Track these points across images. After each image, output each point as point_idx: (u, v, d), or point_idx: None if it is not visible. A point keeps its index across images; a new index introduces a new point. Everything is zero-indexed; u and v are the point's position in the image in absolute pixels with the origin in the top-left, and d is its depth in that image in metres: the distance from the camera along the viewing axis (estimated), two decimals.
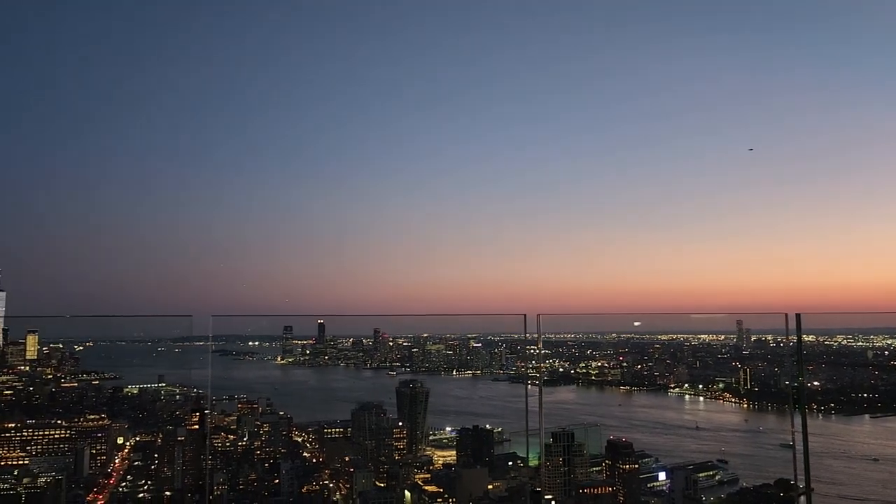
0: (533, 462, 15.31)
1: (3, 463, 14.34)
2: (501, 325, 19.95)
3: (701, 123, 49.94)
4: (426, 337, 20.19)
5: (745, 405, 18.33)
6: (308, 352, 19.48)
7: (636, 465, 15.51)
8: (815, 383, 14.99)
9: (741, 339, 18.68)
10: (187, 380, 17.80)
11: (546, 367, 19.36)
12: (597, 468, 15.43)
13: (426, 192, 58.33)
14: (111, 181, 53.58)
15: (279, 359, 19.37)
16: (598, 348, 20.30)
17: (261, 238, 57.88)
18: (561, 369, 19.54)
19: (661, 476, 16.09)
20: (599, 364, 19.68)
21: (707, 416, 19.16)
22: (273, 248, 57.81)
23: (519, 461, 15.78)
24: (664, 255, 55.46)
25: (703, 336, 19.64)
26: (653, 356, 19.81)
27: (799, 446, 6.73)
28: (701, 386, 19.03)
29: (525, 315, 7.53)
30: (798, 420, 7.25)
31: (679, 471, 16.23)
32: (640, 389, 19.57)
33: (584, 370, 19.69)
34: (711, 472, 16.65)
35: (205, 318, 6.82)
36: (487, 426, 16.97)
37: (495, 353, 20.05)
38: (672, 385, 19.27)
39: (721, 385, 18.89)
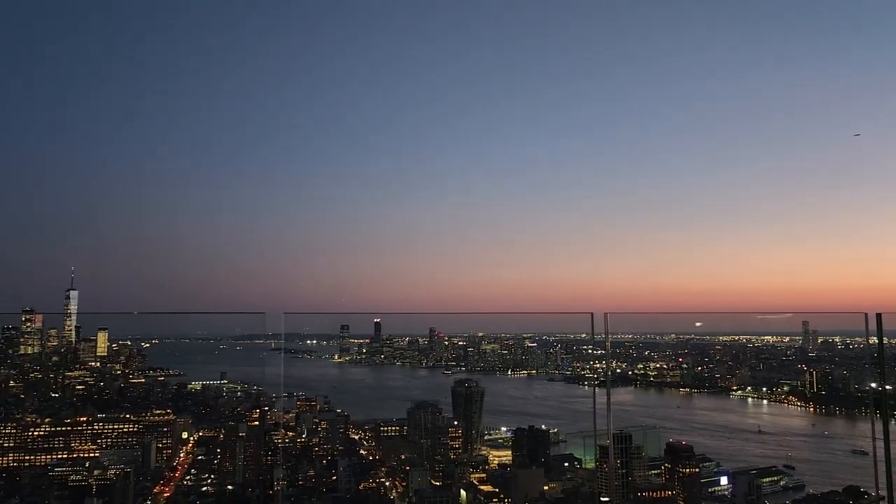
0: (589, 464, 15.16)
1: (75, 455, 14.94)
2: (557, 324, 19.75)
3: (771, 124, 48.55)
4: (481, 336, 20.15)
5: (812, 409, 17.73)
6: (364, 350, 19.69)
7: (697, 469, 15.15)
8: (888, 387, 14.39)
9: (807, 341, 18.06)
10: (248, 377, 18.25)
11: (605, 368, 19.14)
12: (655, 471, 15.13)
13: (483, 191, 58.31)
14: (178, 181, 55.12)
15: (336, 357, 19.63)
16: (657, 349, 19.91)
17: (319, 237, 58.71)
18: (618, 370, 19.26)
19: (724, 480, 15.69)
20: (658, 365, 19.32)
21: (771, 420, 18.57)
22: (330, 247, 58.62)
23: (575, 462, 15.63)
24: (729, 254, 54.09)
25: (766, 337, 19.07)
26: (714, 358, 19.32)
27: (880, 453, 6.45)
28: (765, 389, 18.46)
29: (592, 314, 7.44)
30: (879, 426, 6.94)
31: (741, 475, 15.78)
32: (700, 392, 19.11)
33: (643, 371, 19.35)
34: (776, 478, 16.16)
35: (276, 316, 6.94)
36: (543, 427, 16.84)
37: (550, 353, 19.87)
38: (734, 388, 18.75)
39: (786, 388, 18.29)
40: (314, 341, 19.46)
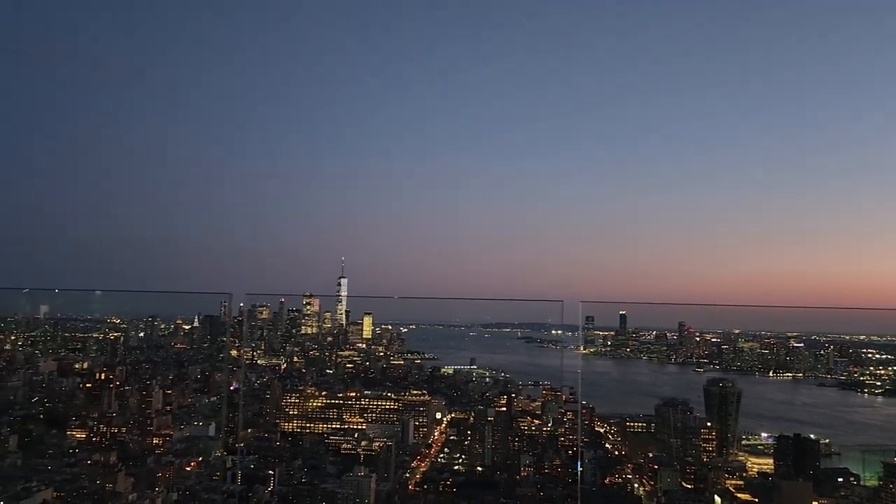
0: (870, 481, 13.43)
1: (346, 426, 16.76)
2: (829, 322, 17.52)
3: None
4: (738, 333, 18.71)
5: None
6: (609, 343, 19.30)
7: None
8: None
9: None
10: (495, 363, 18.97)
11: (890, 375, 16.75)
12: None
13: (745, 179, 54.25)
14: (446, 174, 58.41)
15: (581, 348, 19.48)
16: None
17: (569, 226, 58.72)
18: None
19: None
20: None
21: None
22: (574, 235, 58.43)
23: (851, 478, 13.94)
24: None
25: None
26: None
27: None
28: None
29: None
30: None
31: None
32: None
33: None
34: None
35: (573, 304, 6.96)
36: (812, 436, 15.22)
37: (821, 354, 17.80)
38: None
39: None
40: (559, 331, 19.51)
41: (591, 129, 55.25)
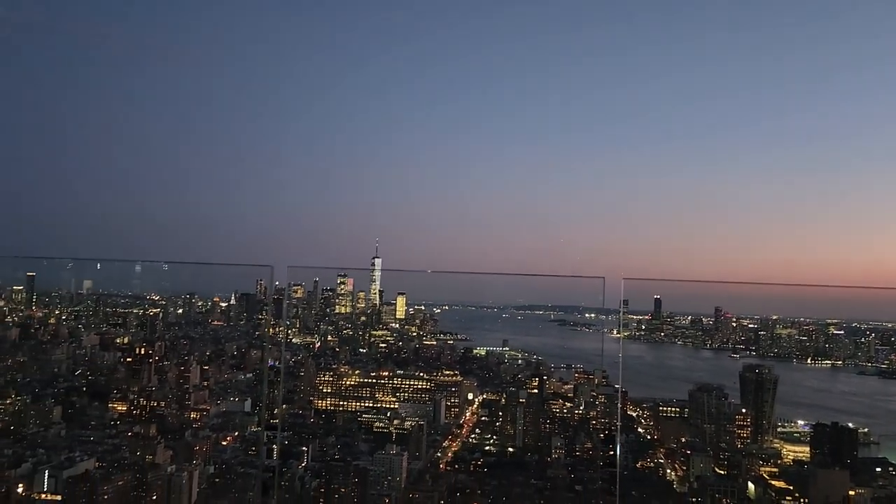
0: None
1: (379, 405, 16.94)
2: (871, 310, 17.06)
3: None
4: (775, 319, 18.39)
5: None
6: (644, 327, 19.12)
7: None
8: None
9: None
10: (527, 346, 18.94)
11: None
12: None
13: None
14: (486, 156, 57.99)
15: (615, 332, 19.31)
16: None
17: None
18: None
19: None
20: None
21: None
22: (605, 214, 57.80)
23: (890, 468, 13.69)
24: None
25: None
26: None
27: None
28: None
29: None
30: None
31: None
32: None
33: None
34: None
35: (616, 281, 6.83)
36: (850, 425, 14.94)
37: (861, 342, 17.40)
38: None
39: None
40: (593, 315, 19.33)
41: (631, 107, 54.34)
